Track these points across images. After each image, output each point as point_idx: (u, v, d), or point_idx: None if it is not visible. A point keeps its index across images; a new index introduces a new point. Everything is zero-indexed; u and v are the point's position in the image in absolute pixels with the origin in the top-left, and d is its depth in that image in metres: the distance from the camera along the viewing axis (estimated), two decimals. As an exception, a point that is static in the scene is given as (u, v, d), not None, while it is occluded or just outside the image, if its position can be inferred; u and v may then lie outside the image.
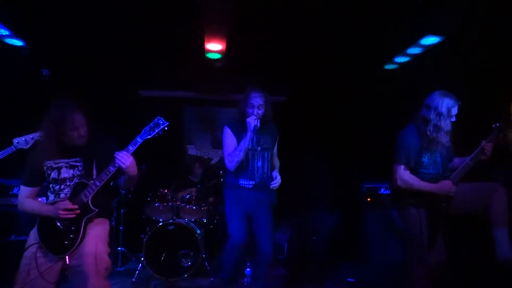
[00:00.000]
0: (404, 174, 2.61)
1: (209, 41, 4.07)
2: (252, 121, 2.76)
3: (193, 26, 3.77)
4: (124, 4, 3.46)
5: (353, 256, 4.25)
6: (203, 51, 4.28)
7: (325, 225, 4.20)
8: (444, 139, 2.58)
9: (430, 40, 3.83)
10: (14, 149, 2.68)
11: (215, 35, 3.94)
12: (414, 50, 4.12)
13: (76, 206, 2.23)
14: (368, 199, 4.29)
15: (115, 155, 2.21)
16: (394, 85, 4.82)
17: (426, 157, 2.65)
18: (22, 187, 2.37)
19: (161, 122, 2.33)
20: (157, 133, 2.31)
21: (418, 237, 2.62)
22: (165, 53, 4.52)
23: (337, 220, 4.32)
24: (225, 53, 4.30)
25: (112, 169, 2.25)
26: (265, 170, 2.90)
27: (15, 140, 2.64)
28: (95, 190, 2.26)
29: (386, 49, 4.26)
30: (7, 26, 3.63)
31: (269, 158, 2.95)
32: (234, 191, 2.90)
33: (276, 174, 2.96)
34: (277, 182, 2.92)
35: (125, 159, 2.20)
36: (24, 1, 3.37)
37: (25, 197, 2.35)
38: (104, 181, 2.27)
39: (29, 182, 2.37)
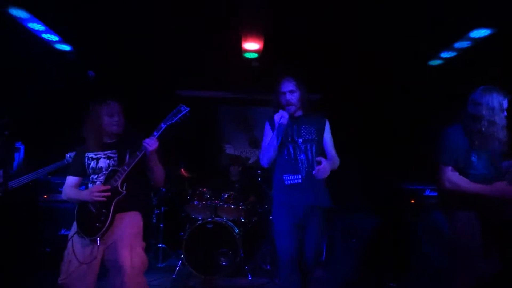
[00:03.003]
0: (452, 176, 2.47)
1: (246, 41, 4.08)
2: (278, 117, 2.56)
3: (230, 25, 3.78)
4: (161, 6, 3.52)
5: (395, 260, 4.10)
6: (240, 50, 4.30)
7: (365, 227, 4.08)
8: (501, 134, 2.44)
9: (480, 33, 3.61)
10: (66, 162, 2.96)
11: (252, 34, 3.94)
12: (462, 44, 3.90)
13: (107, 187, 2.40)
14: (412, 201, 4.12)
15: (143, 142, 2.38)
16: (438, 81, 4.60)
17: (476, 156, 2.50)
18: (68, 177, 2.61)
19: (182, 109, 2.47)
20: (179, 118, 2.45)
21: (466, 243, 2.47)
22: (202, 53, 4.57)
23: (378, 223, 4.18)
24: (262, 52, 4.29)
25: (138, 153, 2.40)
26: (311, 163, 2.61)
27: (68, 155, 2.92)
28: (124, 174, 2.41)
29: (432, 43, 4.05)
30: (56, 32, 3.84)
31: (316, 151, 2.66)
32: (281, 195, 2.63)
33: (323, 160, 2.51)
34: (322, 168, 2.45)
35: (152, 143, 2.37)
36: (70, 7, 3.52)
37: (69, 186, 2.59)
38: (132, 165, 2.41)
39: (73, 172, 2.61)
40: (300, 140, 2.66)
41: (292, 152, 2.65)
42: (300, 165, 2.62)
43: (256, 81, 5.25)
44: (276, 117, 2.58)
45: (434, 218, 3.68)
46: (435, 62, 4.44)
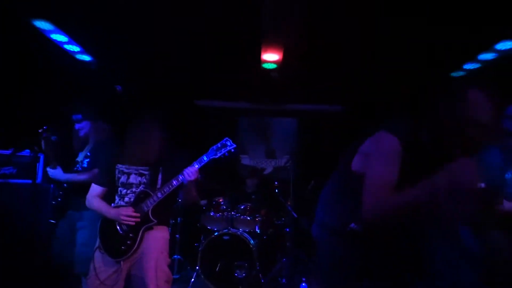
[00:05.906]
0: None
1: (265, 52, 4.06)
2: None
3: (249, 36, 3.77)
4: (180, 16, 3.54)
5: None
6: (259, 61, 4.28)
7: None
8: None
9: (506, 45, 3.52)
10: None
11: (272, 45, 3.92)
12: (486, 56, 3.82)
13: (138, 214, 2.30)
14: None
15: (184, 171, 2.28)
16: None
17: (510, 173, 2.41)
18: (93, 186, 2.47)
19: (228, 144, 2.36)
20: (224, 154, 2.34)
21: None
22: (221, 64, 4.57)
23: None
24: (281, 63, 4.27)
25: (174, 183, 2.31)
26: None
27: None
28: (156, 202, 2.32)
29: (455, 55, 3.97)
30: (78, 42, 3.91)
31: None
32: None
33: None
34: None
35: (192, 174, 2.28)
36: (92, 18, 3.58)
37: (94, 196, 2.45)
38: (166, 194, 2.32)
39: (100, 182, 2.46)
40: None
41: None
42: None
43: (275, 91, 5.23)
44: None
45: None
46: (458, 74, 4.35)
